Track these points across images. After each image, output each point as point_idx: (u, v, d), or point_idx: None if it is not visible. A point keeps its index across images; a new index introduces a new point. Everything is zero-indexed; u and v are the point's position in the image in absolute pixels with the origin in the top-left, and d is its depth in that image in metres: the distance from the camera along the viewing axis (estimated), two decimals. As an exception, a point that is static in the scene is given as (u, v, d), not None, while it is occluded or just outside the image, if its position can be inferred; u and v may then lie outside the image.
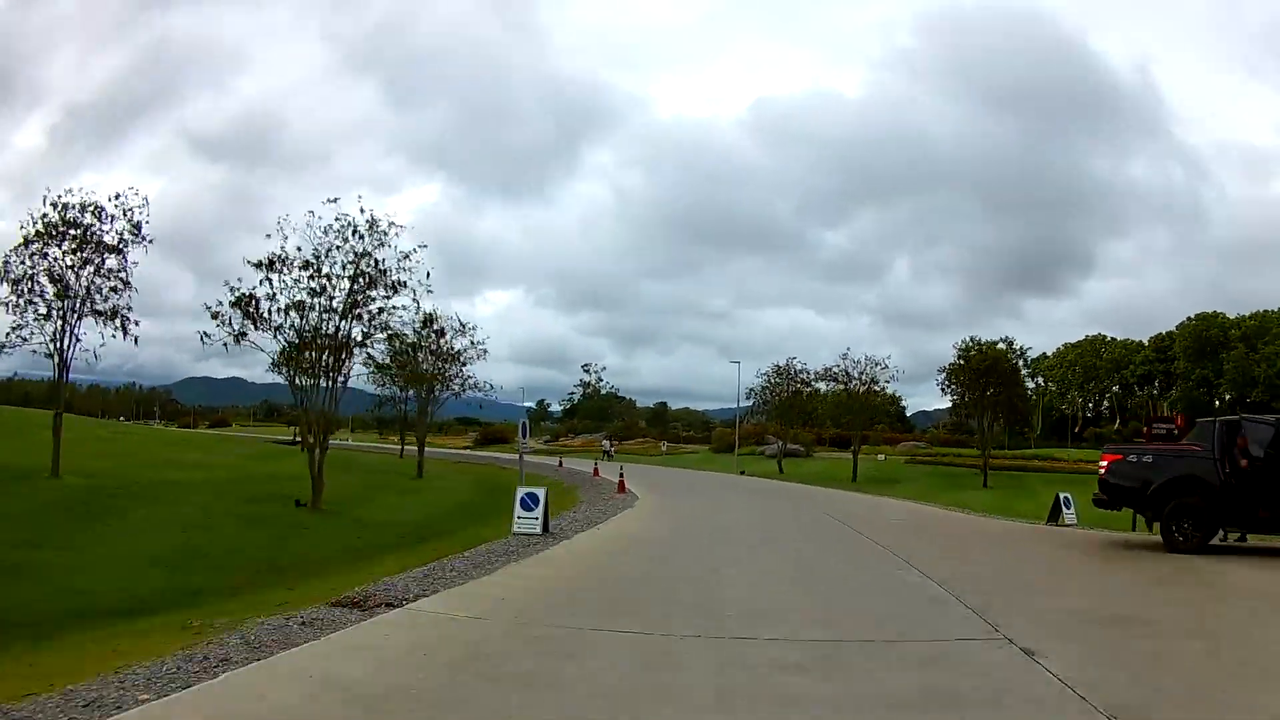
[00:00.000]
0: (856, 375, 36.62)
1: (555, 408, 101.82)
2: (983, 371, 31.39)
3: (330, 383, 16.41)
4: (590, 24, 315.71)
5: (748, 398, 46.42)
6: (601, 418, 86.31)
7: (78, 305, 16.33)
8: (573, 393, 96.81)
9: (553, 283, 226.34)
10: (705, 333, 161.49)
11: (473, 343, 28.54)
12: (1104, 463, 11.61)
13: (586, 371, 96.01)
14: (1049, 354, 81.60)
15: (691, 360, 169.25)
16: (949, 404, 39.93)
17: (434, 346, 27.58)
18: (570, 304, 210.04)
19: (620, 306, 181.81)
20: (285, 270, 15.51)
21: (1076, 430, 70.32)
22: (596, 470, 29.36)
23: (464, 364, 28.95)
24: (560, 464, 37.64)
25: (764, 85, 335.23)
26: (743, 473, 38.75)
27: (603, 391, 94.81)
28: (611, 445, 57.27)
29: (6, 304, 15.99)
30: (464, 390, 29.69)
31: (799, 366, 41.75)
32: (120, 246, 16.58)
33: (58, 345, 16.48)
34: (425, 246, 17.02)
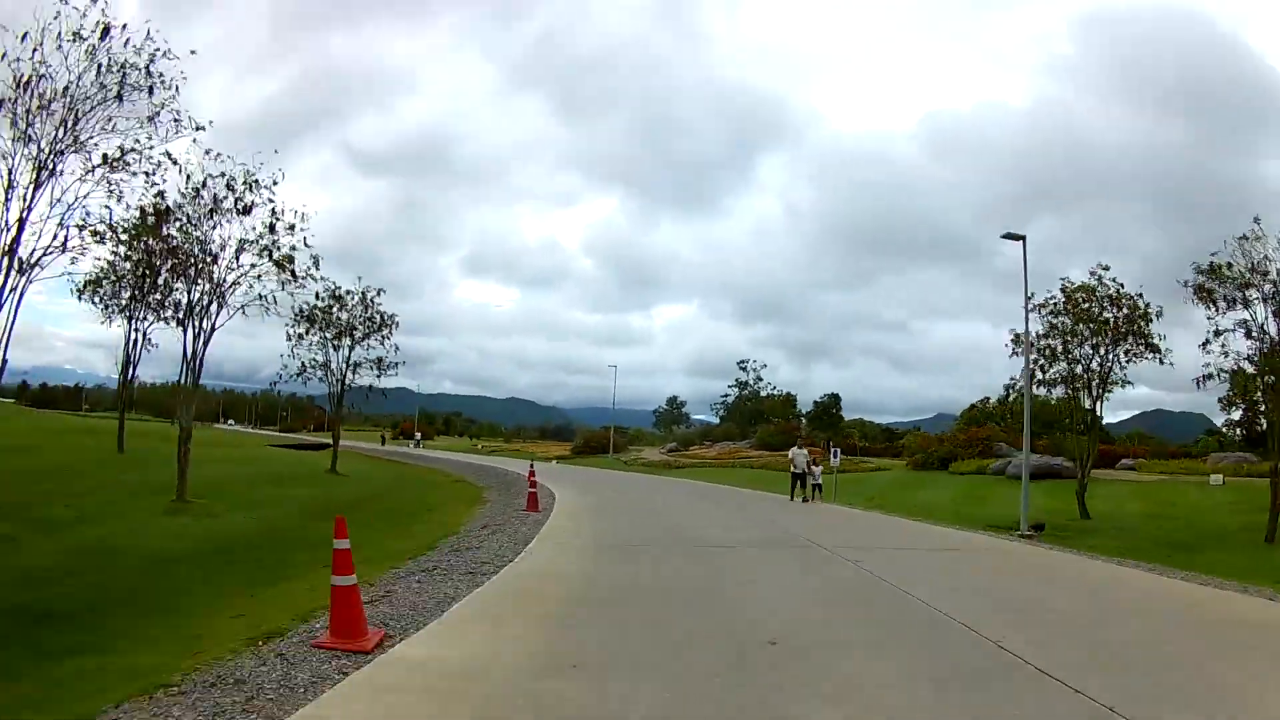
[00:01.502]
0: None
1: (699, 416, 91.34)
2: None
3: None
4: (757, 33, 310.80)
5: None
6: (752, 421, 70.13)
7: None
8: (726, 395, 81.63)
9: (726, 295, 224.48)
10: (880, 345, 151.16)
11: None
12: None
13: (743, 369, 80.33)
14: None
15: (865, 373, 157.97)
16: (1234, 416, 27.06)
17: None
18: (744, 316, 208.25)
19: (794, 318, 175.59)
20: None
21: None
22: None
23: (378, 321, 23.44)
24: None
25: (931, 98, 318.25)
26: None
27: (762, 393, 77.78)
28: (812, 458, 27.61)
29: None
30: (387, 367, 24.18)
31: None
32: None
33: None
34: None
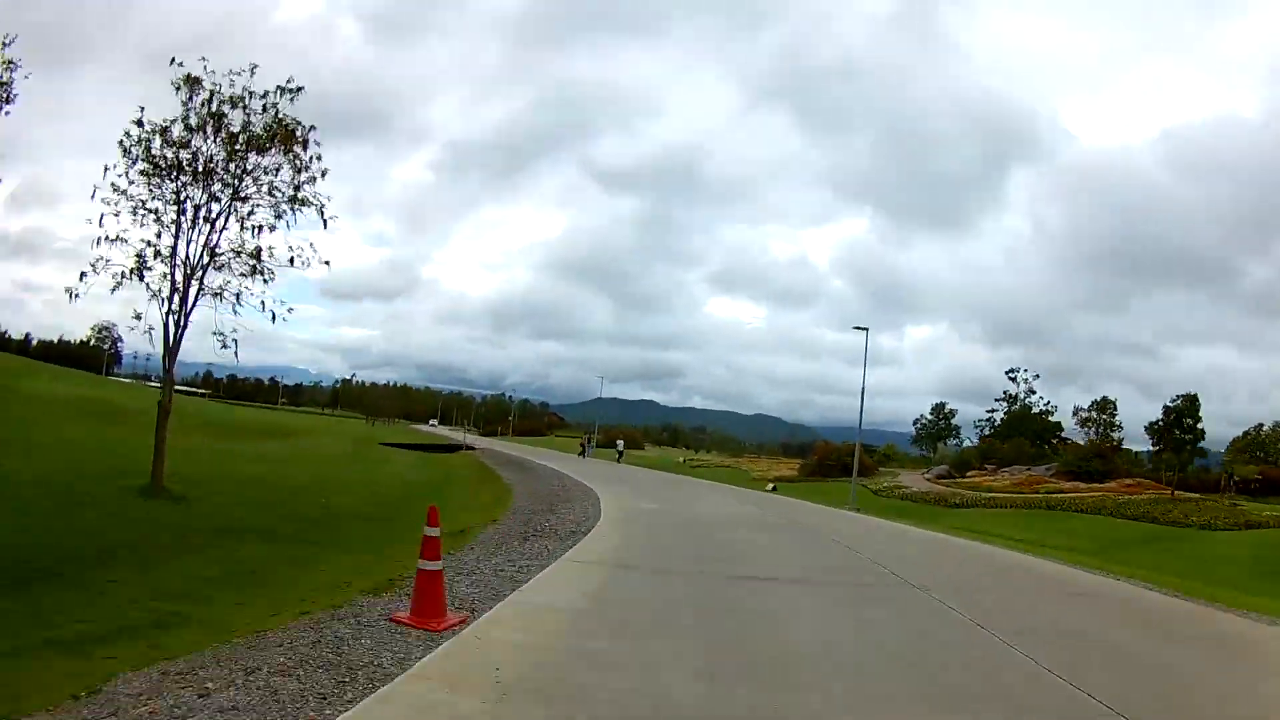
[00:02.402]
0: None
1: (956, 440, 73.06)
2: None
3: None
4: (995, 41, 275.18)
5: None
6: (1039, 441, 56.25)
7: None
8: (992, 411, 66.61)
9: (975, 316, 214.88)
10: (1128, 369, 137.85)
11: None
12: None
13: (1012, 379, 65.62)
14: None
15: (1116, 398, 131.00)
16: None
17: None
18: (993, 338, 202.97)
19: (1042, 340, 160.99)
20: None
21: None
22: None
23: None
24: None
25: (1165, 110, 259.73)
26: None
27: (1033, 409, 63.40)
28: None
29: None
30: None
31: None
32: None
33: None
34: None
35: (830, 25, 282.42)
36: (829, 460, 46.14)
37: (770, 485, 37.83)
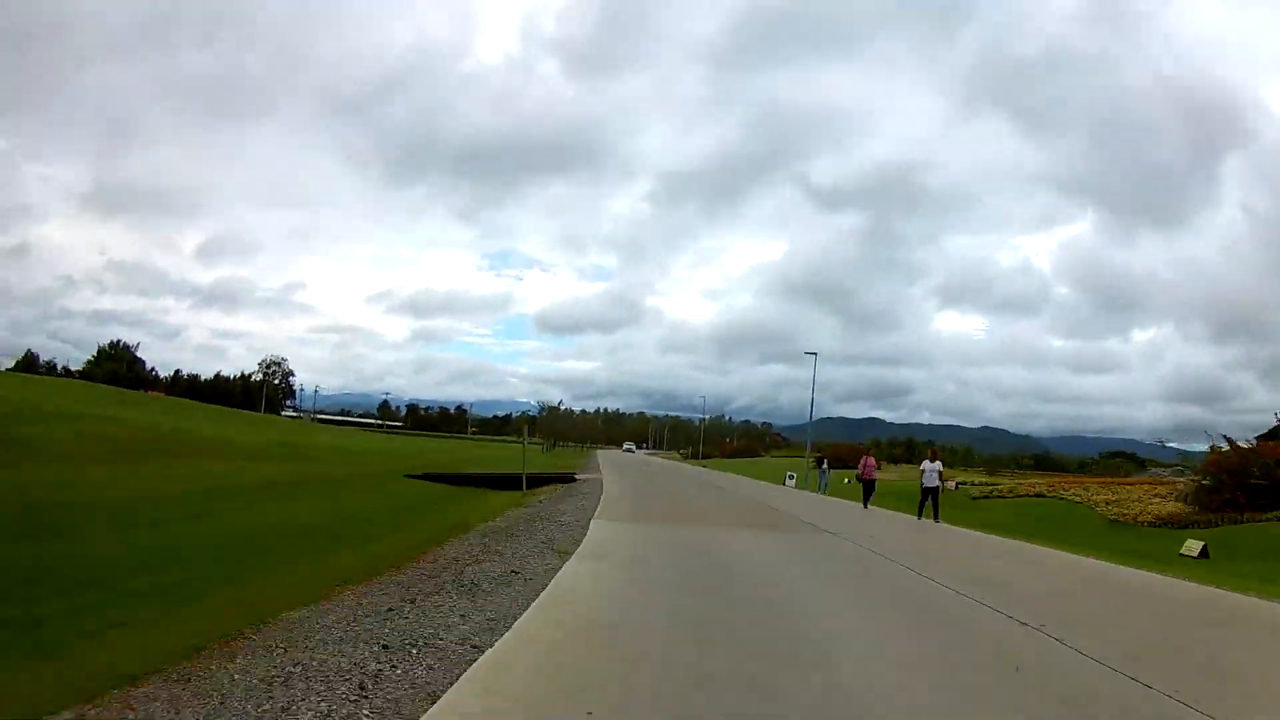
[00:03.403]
0: None
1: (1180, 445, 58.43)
2: None
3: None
4: (1190, 25, 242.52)
5: None
6: None
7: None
8: None
9: (1196, 315, 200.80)
10: None
11: None
12: None
13: None
14: None
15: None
16: None
17: None
18: (1216, 337, 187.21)
19: (1266, 338, 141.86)
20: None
21: None
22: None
23: None
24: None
25: None
26: None
27: None
28: None
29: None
30: None
31: None
32: None
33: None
34: None
35: (1026, 18, 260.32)
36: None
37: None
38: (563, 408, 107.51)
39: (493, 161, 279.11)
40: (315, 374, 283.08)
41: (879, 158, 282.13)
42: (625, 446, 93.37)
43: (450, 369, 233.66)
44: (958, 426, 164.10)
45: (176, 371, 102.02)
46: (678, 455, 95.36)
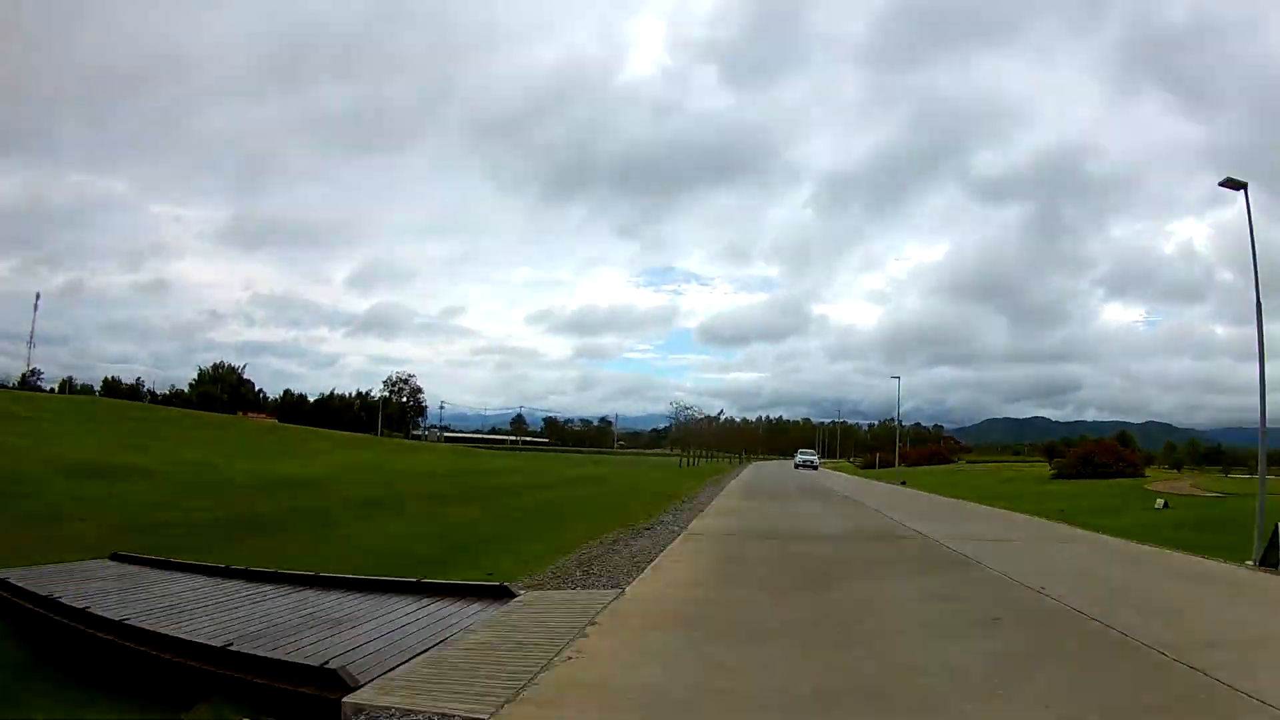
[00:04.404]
0: None
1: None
2: None
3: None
4: None
5: None
6: None
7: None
8: None
9: None
10: None
11: None
12: None
13: None
14: None
15: None
16: None
17: None
18: None
19: None
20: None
21: None
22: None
23: None
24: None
25: None
26: None
27: None
28: None
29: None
30: None
31: None
32: None
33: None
34: None
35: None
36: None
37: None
38: (723, 417, 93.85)
39: (651, 176, 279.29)
40: (479, 395, 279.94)
41: (1039, 146, 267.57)
42: (800, 458, 61.55)
43: (614, 385, 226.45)
44: (1123, 422, 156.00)
45: (286, 391, 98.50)
46: (848, 465, 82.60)
